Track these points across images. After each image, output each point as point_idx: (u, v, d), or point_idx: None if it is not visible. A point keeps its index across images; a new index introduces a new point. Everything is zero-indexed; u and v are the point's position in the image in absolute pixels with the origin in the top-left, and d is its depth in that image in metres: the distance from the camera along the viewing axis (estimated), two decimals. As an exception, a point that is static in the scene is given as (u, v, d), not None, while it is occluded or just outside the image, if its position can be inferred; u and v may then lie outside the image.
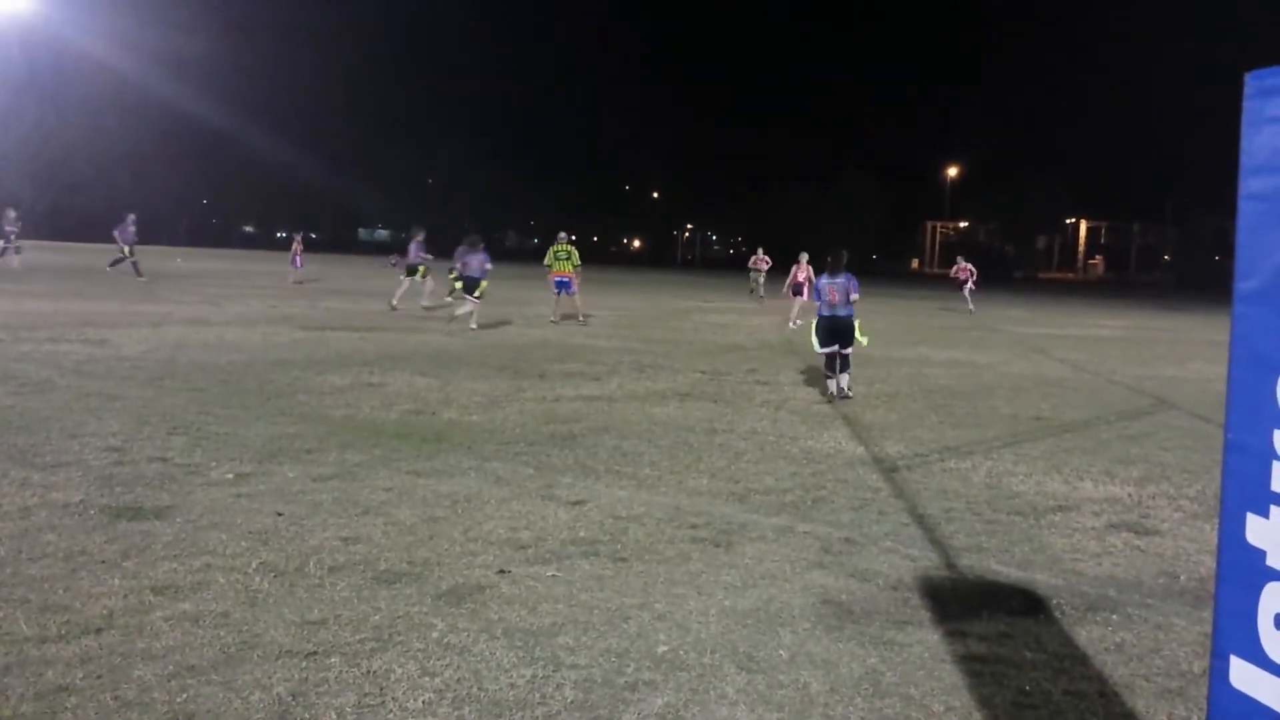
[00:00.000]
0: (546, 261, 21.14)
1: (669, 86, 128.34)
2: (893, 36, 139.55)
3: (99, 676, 3.56)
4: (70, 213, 74.61)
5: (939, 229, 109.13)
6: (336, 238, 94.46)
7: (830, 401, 11.09)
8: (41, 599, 4.25)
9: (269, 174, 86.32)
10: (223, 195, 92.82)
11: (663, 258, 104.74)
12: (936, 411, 10.79)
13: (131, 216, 30.01)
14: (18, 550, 4.83)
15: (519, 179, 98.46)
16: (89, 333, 14.30)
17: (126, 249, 29.23)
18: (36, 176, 73.42)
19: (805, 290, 22.83)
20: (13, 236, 30.27)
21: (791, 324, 22.04)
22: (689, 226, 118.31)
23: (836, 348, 11.28)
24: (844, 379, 11.35)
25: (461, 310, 18.28)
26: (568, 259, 20.67)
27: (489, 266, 18.40)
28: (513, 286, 29.89)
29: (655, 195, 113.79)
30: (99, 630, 3.96)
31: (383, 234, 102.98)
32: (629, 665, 3.90)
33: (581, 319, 20.96)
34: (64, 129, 77.96)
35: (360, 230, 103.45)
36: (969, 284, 30.85)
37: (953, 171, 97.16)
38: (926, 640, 4.29)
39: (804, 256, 25.03)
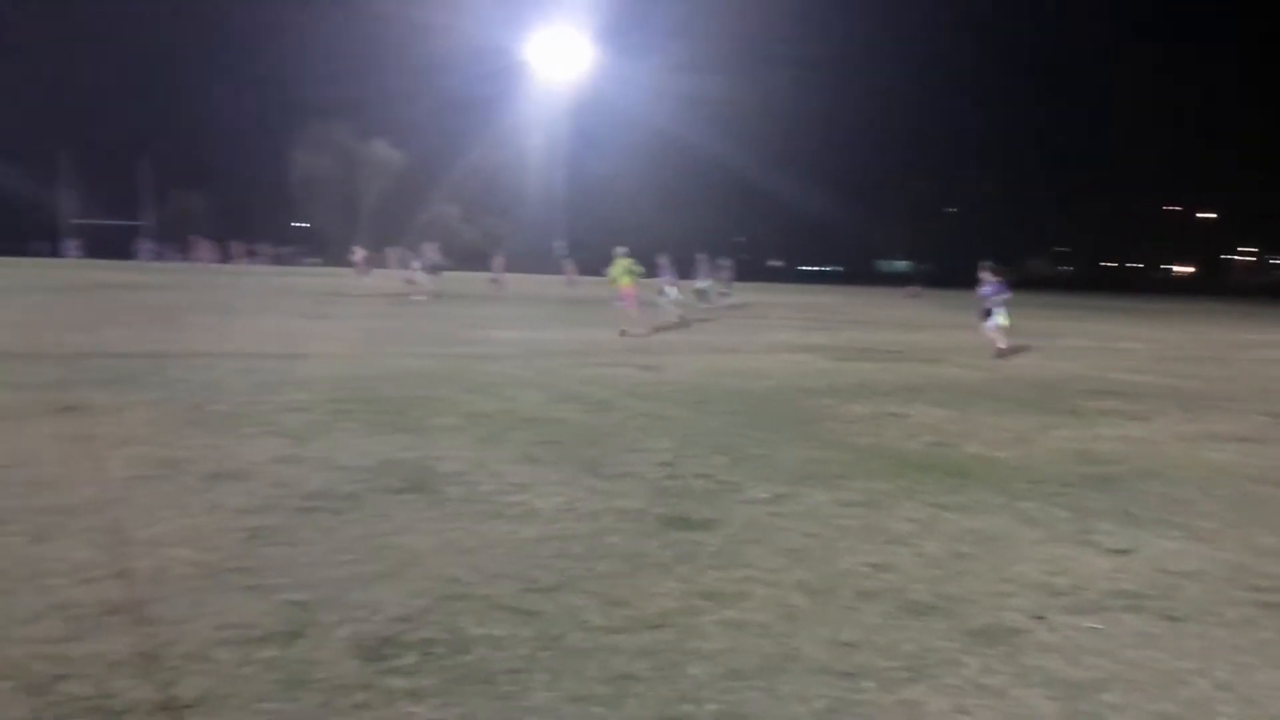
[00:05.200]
0: (620, 276, 21.46)
1: (1222, 93, 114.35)
2: None
3: (658, 669, 3.95)
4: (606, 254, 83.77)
5: None
6: (855, 269, 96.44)
7: None
8: (609, 593, 4.80)
9: (791, 210, 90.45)
10: (752, 232, 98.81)
11: (1211, 285, 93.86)
12: None
13: (700, 256, 34.83)
14: (590, 549, 5.51)
15: (1043, 205, 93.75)
16: (639, 359, 15.94)
17: (704, 284, 33.94)
18: (598, 222, 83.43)
19: None
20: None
21: None
22: (1254, 250, 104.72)
23: None
24: None
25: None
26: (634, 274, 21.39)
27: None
28: (1041, 317, 28.51)
29: (1205, 216, 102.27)
30: (657, 627, 4.39)
31: (900, 265, 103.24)
32: (1187, 735, 3.55)
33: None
34: (615, 178, 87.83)
35: (878, 261, 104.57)
36: None
37: None
38: None
39: None
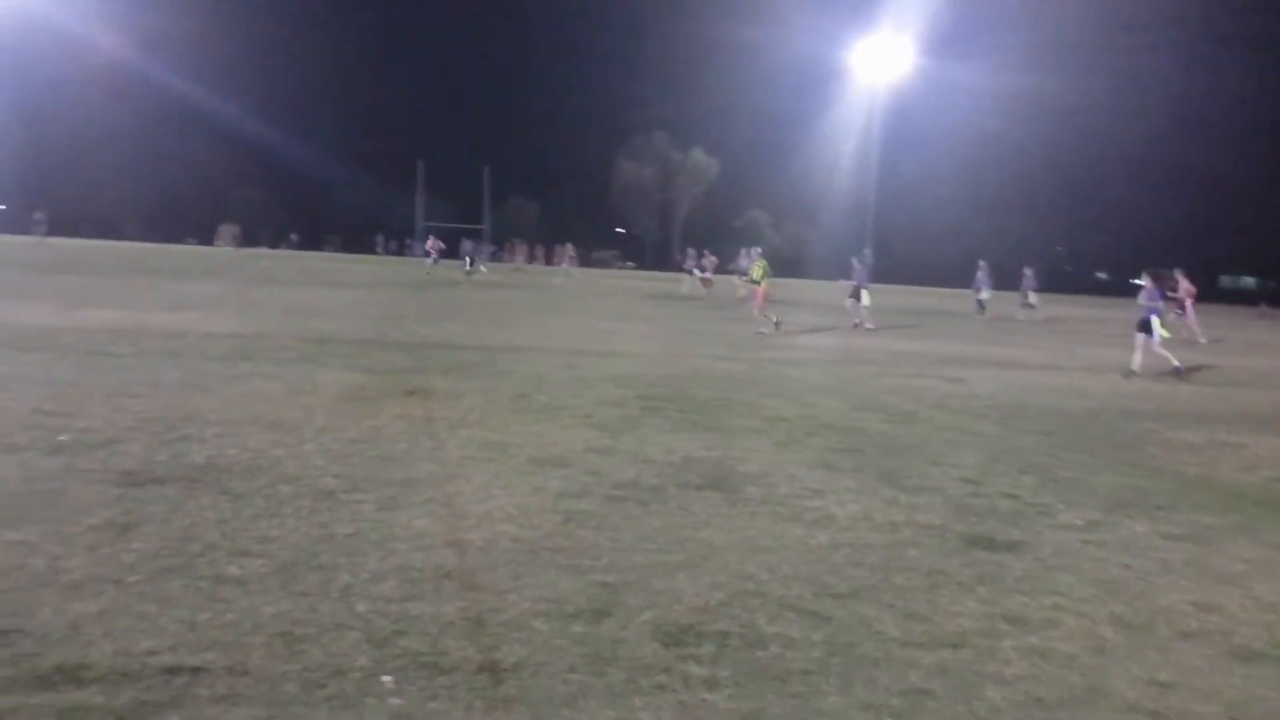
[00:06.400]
0: (763, 277, 21.33)
1: None
2: None
3: (955, 688, 3.89)
4: (930, 262, 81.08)
5: None
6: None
7: None
8: (905, 607, 4.76)
9: (1124, 217, 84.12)
10: (1076, 241, 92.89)
11: None
12: None
13: (982, 263, 32.36)
14: (887, 560, 5.47)
15: None
16: (947, 371, 15.48)
17: (986, 294, 31.80)
18: (906, 228, 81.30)
19: None
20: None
21: None
22: None
23: None
24: None
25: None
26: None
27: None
28: None
29: None
30: (955, 646, 4.31)
31: (1248, 281, 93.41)
32: None
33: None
34: (927, 184, 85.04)
35: (1222, 278, 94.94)
36: None
37: None
38: None
39: None
